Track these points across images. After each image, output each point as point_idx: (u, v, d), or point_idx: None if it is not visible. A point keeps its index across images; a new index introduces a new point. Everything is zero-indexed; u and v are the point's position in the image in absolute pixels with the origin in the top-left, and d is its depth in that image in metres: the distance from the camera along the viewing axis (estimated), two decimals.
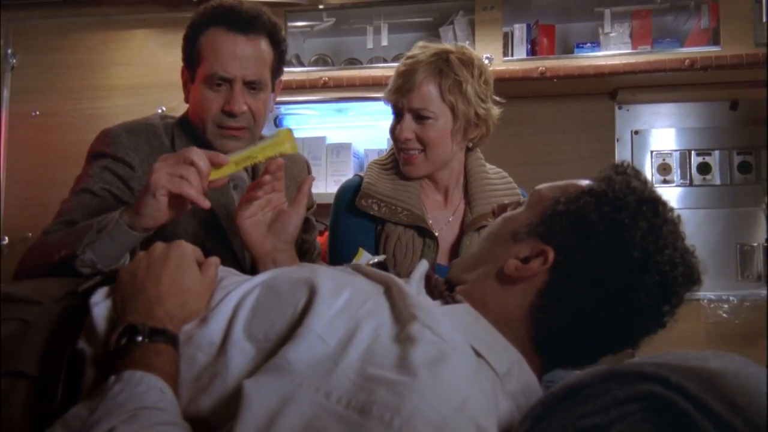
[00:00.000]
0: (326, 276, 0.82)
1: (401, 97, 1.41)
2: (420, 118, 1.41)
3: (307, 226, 1.55)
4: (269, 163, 1.11)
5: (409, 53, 1.45)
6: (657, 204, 0.81)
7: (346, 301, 0.76)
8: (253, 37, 1.32)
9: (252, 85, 1.33)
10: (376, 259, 1.27)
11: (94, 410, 0.65)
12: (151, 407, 0.66)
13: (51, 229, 1.24)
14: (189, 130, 1.40)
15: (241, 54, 1.30)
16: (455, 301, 0.86)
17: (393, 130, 1.46)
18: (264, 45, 1.34)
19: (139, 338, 0.73)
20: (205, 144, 1.37)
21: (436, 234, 1.45)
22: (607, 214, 0.79)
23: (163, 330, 0.75)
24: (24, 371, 0.78)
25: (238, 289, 0.83)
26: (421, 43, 1.48)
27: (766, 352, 1.84)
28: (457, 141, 1.46)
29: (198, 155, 1.02)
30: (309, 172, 1.62)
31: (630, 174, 0.84)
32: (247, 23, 1.30)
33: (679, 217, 0.83)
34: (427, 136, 1.42)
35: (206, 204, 1.02)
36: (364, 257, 1.29)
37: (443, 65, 1.41)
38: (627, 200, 0.80)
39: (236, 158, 1.08)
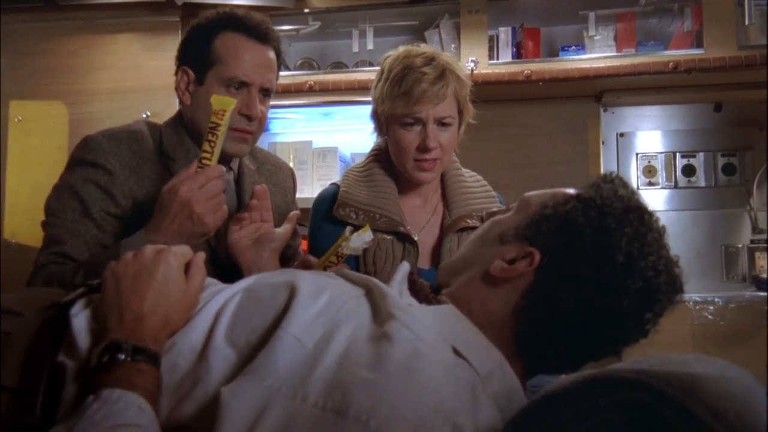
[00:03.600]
0: (306, 279, 0.82)
1: (427, 106, 1.38)
2: (443, 125, 1.42)
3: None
4: (255, 188, 1.28)
5: (406, 61, 1.40)
6: (643, 212, 0.83)
7: (325, 304, 0.75)
8: (268, 47, 1.38)
9: (265, 92, 1.39)
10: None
11: (70, 430, 0.64)
12: (128, 424, 0.65)
13: (45, 261, 1.24)
14: (180, 132, 1.40)
15: (261, 61, 1.36)
16: (440, 303, 0.86)
17: (409, 141, 1.41)
18: (273, 55, 1.40)
19: (122, 356, 0.72)
20: (197, 146, 1.37)
21: (416, 239, 1.44)
22: (594, 219, 0.81)
23: (146, 349, 0.74)
24: (2, 384, 0.77)
25: (219, 296, 0.82)
26: (403, 48, 1.46)
27: (766, 353, 1.84)
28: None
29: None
30: (293, 179, 1.66)
31: (617, 183, 0.86)
32: (264, 33, 1.37)
33: (664, 227, 0.84)
34: (447, 141, 1.43)
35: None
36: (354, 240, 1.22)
37: (452, 70, 1.41)
38: (614, 207, 0.81)
39: None
